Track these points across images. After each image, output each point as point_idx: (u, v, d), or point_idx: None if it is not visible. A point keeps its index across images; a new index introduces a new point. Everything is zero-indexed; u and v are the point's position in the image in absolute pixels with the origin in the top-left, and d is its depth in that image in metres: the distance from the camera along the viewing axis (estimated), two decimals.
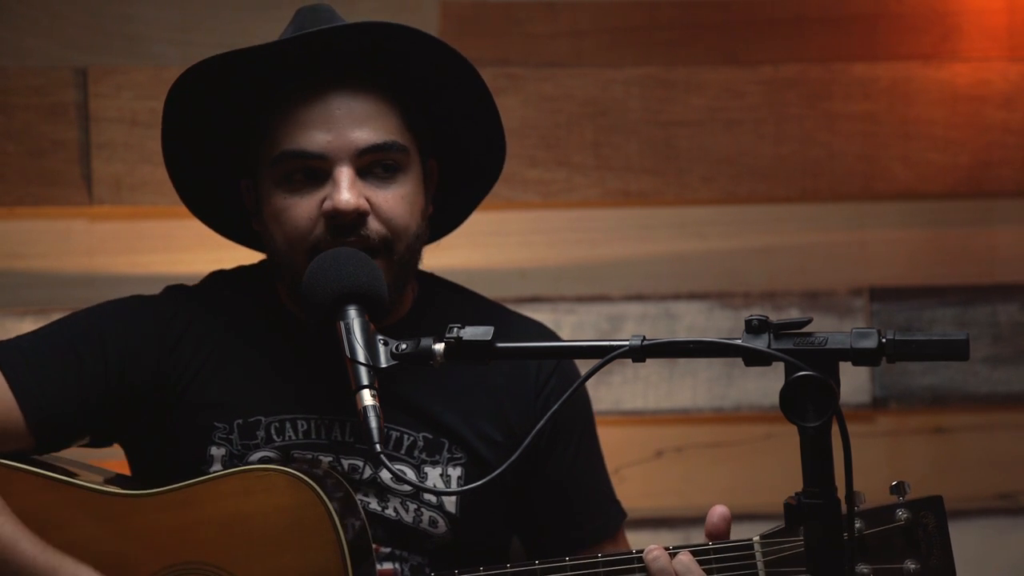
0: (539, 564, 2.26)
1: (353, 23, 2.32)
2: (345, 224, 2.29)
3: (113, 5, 3.43)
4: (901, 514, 2.14)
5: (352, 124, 2.31)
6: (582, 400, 2.56)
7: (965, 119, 3.60)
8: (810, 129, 3.58)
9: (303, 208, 2.31)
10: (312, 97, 2.32)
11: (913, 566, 2.14)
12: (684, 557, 2.19)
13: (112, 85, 3.42)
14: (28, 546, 2.24)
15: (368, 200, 2.31)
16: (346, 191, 2.28)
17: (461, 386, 2.43)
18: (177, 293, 2.48)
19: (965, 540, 3.55)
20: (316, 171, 2.32)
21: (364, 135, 2.31)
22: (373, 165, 2.33)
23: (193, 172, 2.45)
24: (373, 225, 2.31)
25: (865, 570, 2.14)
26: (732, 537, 2.23)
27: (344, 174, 2.30)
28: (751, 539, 2.20)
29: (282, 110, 2.33)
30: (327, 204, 2.29)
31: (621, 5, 3.55)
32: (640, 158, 3.55)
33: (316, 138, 2.31)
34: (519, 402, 2.46)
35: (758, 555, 2.20)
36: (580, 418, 2.53)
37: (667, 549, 2.21)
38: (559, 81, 3.53)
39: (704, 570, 2.20)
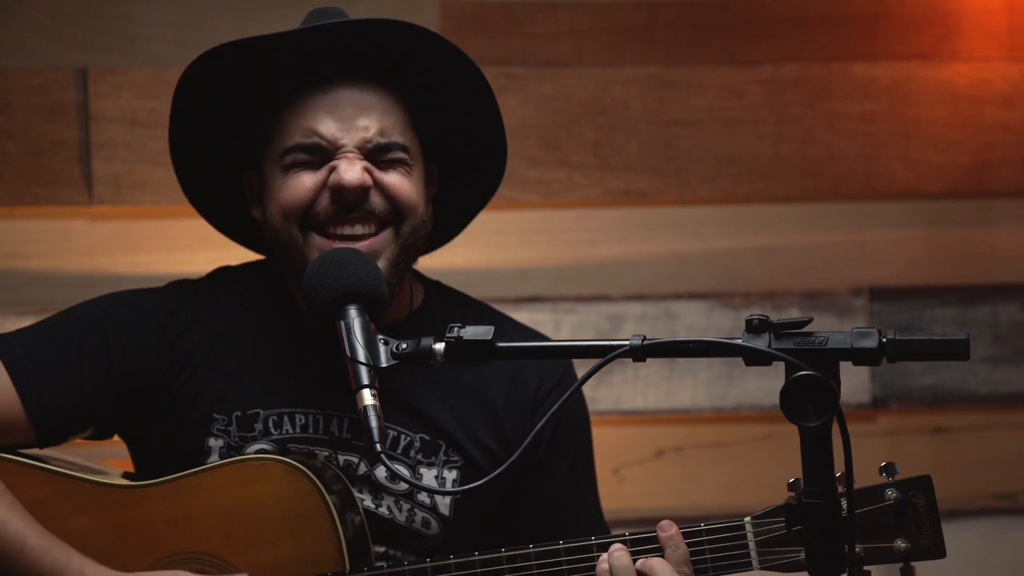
0: (505, 551, 2.25)
1: (370, 19, 2.34)
2: (349, 202, 2.32)
3: (113, 5, 3.43)
4: (891, 494, 2.14)
5: (359, 115, 2.34)
6: (581, 419, 2.54)
7: (965, 119, 3.60)
8: (810, 129, 3.58)
9: (307, 180, 2.34)
10: (323, 90, 2.35)
11: (904, 544, 2.13)
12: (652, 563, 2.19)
13: (112, 85, 3.42)
14: (36, 542, 2.25)
15: (373, 178, 2.33)
16: (352, 168, 2.31)
17: (459, 393, 2.44)
18: (180, 287, 2.49)
19: (965, 540, 3.55)
20: (323, 152, 2.34)
21: (371, 129, 2.34)
22: (377, 157, 2.35)
23: (196, 164, 2.46)
24: (376, 199, 2.34)
25: (857, 549, 2.14)
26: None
27: (350, 154, 2.33)
28: (743, 519, 2.21)
29: (292, 103, 2.36)
30: (333, 178, 2.32)
31: (621, 5, 3.54)
32: (640, 158, 3.55)
33: (326, 124, 2.33)
34: (515, 415, 2.46)
35: (750, 535, 2.20)
36: (577, 437, 2.52)
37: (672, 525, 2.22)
38: (559, 81, 3.53)
39: (696, 551, 2.20)
